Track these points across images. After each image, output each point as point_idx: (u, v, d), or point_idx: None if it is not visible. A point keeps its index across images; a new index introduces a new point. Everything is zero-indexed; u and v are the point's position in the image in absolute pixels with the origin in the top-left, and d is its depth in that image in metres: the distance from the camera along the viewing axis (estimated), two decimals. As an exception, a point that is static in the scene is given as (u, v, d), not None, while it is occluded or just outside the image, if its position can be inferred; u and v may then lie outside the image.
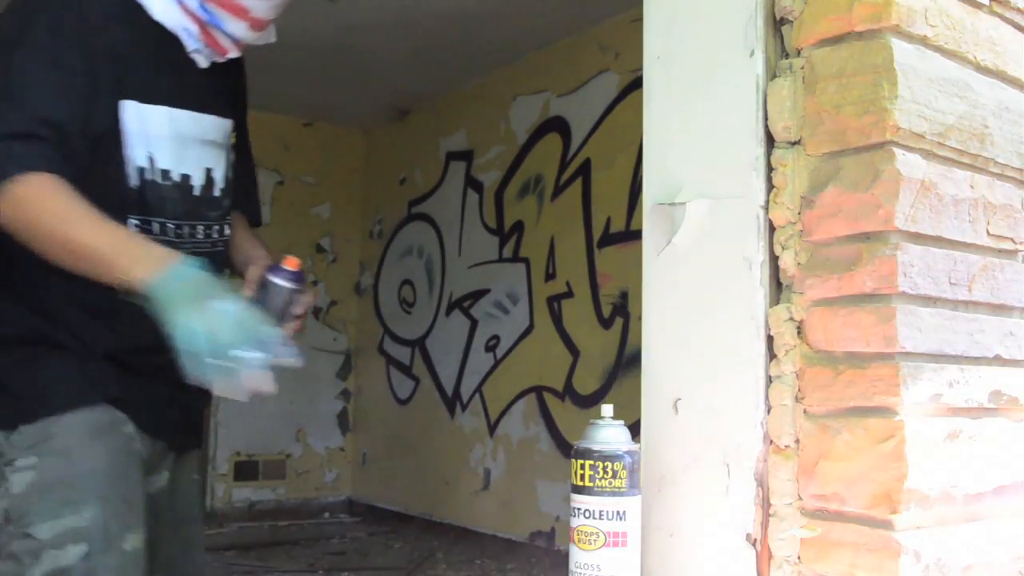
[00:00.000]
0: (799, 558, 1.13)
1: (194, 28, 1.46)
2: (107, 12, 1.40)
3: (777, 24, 1.20)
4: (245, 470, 6.12)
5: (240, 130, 1.67)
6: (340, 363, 6.55)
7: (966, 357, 1.16)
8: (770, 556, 1.14)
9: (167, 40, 1.45)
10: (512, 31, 4.69)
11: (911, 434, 1.06)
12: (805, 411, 1.14)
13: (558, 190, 4.88)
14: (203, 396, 1.46)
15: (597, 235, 4.57)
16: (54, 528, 1.22)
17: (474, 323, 5.42)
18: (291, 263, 1.49)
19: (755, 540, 1.14)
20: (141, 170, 1.42)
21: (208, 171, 1.53)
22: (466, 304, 5.51)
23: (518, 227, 5.15)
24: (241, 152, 1.67)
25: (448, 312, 5.68)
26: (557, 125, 4.92)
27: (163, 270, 1.20)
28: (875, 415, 1.08)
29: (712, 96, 1.24)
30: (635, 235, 4.16)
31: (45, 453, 1.26)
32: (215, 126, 1.55)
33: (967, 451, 1.14)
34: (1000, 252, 1.22)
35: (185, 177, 1.48)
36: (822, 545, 1.11)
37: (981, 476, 1.16)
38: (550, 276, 4.88)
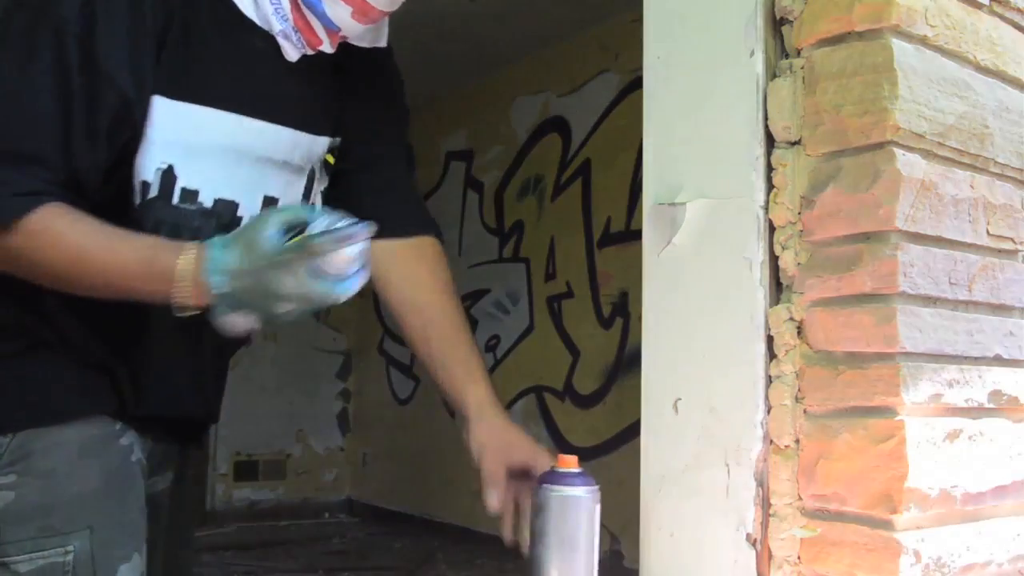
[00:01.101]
0: (799, 558, 1.13)
1: (285, 1, 1.14)
2: None
3: (777, 24, 1.20)
4: (245, 470, 6.12)
5: (372, 144, 1.34)
6: (340, 363, 6.55)
7: (966, 357, 1.16)
8: (770, 556, 1.14)
9: (244, 26, 1.15)
10: (512, 31, 4.69)
11: (911, 434, 1.06)
12: (805, 411, 1.14)
13: (558, 190, 4.88)
14: (217, 386, 1.32)
15: (597, 235, 4.57)
16: (34, 561, 1.07)
17: (474, 323, 5.43)
18: (567, 462, 1.14)
19: (755, 540, 1.14)
20: (145, 186, 1.12)
21: (268, 199, 1.21)
22: (466, 304, 5.51)
23: (518, 227, 5.16)
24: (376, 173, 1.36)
25: (448, 312, 5.68)
26: (557, 125, 4.92)
27: (205, 278, 1.01)
28: (875, 415, 1.08)
29: (712, 96, 1.24)
30: (635, 235, 4.16)
31: (25, 472, 1.09)
32: (294, 143, 1.23)
33: (967, 451, 1.14)
34: (1000, 252, 1.22)
35: (226, 205, 1.17)
36: (822, 545, 1.11)
37: (981, 476, 1.16)
38: (550, 276, 4.89)
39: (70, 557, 1.08)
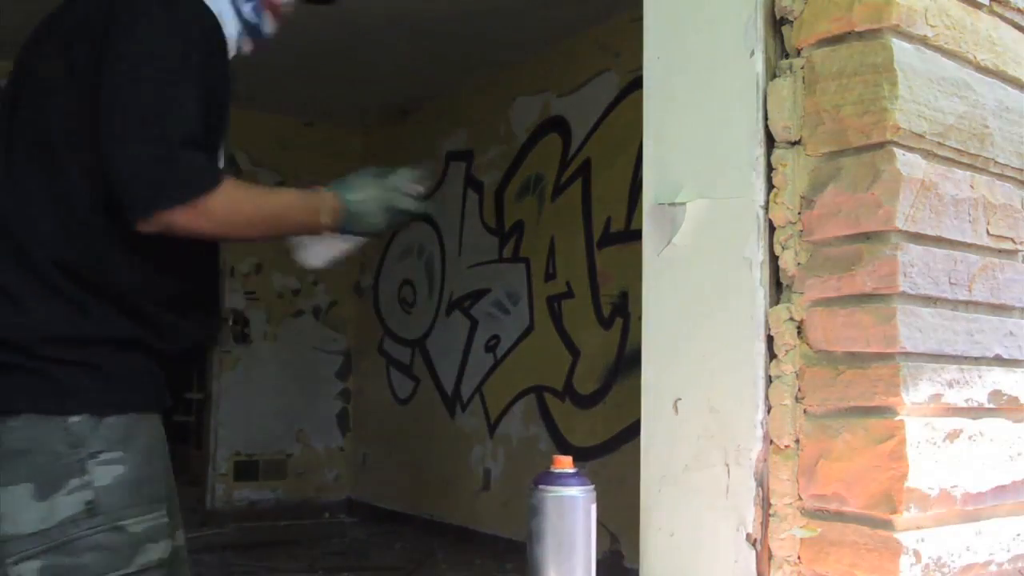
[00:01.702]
0: (799, 558, 1.13)
1: (242, 34, 1.55)
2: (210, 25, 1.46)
3: (777, 24, 1.20)
4: (245, 470, 6.12)
5: None
6: (340, 363, 6.55)
7: (966, 357, 1.16)
8: (770, 556, 1.14)
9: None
10: (512, 31, 4.69)
11: (911, 434, 1.06)
12: (805, 411, 1.14)
13: (558, 190, 4.88)
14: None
15: (597, 235, 4.57)
16: (145, 523, 1.26)
17: (474, 323, 5.43)
18: (562, 463, 1.17)
19: (755, 540, 1.14)
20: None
21: None
22: (466, 304, 5.51)
23: (518, 227, 5.16)
24: None
25: (448, 312, 5.68)
26: (557, 125, 4.92)
27: (340, 201, 1.49)
28: (875, 415, 1.08)
29: (712, 96, 1.24)
30: (635, 235, 4.16)
31: (131, 449, 1.28)
32: None
33: (967, 451, 1.14)
34: (1000, 252, 1.22)
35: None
36: (822, 545, 1.11)
37: (981, 476, 1.16)
38: (550, 276, 4.88)
39: (164, 520, 1.30)
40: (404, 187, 1.55)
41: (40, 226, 1.32)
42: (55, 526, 1.19)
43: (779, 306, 1.16)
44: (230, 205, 1.35)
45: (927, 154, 1.12)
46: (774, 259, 1.17)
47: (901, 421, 1.06)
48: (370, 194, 1.51)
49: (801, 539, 1.13)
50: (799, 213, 1.16)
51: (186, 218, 1.30)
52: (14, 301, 1.28)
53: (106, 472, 1.23)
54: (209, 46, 1.41)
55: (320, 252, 1.56)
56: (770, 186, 1.18)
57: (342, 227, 1.50)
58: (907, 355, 1.08)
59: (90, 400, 1.25)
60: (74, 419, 1.23)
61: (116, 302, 1.34)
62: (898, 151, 1.08)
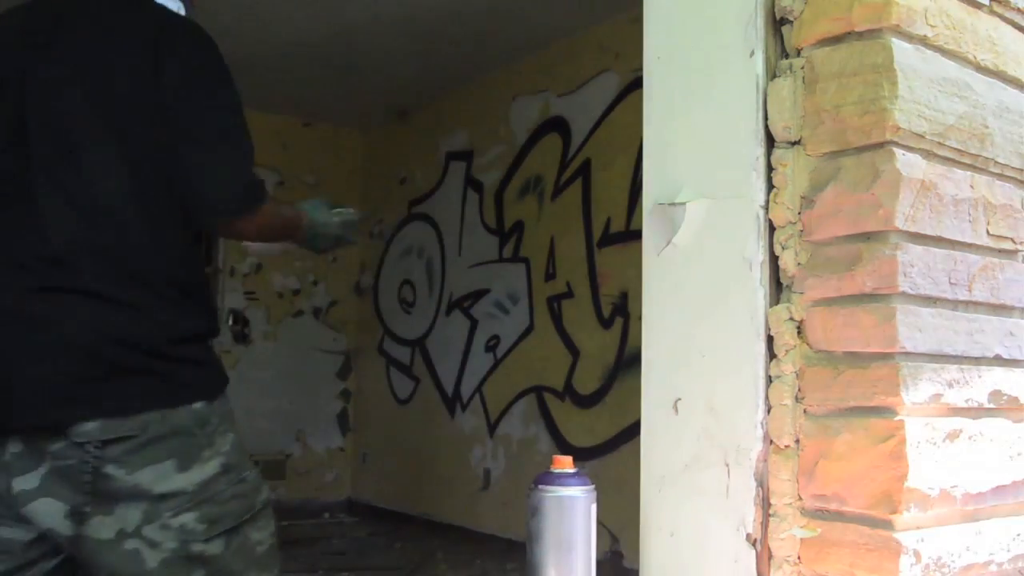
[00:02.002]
0: (799, 558, 1.13)
1: None
2: None
3: (777, 24, 1.20)
4: (245, 470, 6.12)
5: None
6: (340, 363, 6.55)
7: (966, 357, 1.16)
8: (770, 556, 1.14)
9: None
10: (512, 31, 4.69)
11: (911, 434, 1.06)
12: (805, 411, 1.14)
13: (558, 190, 4.88)
14: None
15: (597, 235, 4.57)
16: (253, 473, 1.58)
17: (474, 323, 5.43)
18: (562, 463, 1.18)
19: (755, 540, 1.14)
20: None
21: None
22: (466, 304, 5.51)
23: (518, 227, 5.16)
24: None
25: (448, 312, 5.68)
26: (557, 125, 4.92)
27: (309, 214, 1.79)
28: (875, 415, 1.08)
29: (712, 96, 1.24)
30: (635, 235, 4.16)
31: (231, 420, 1.58)
32: None
33: (967, 451, 1.14)
34: (1000, 252, 1.22)
35: None
36: (822, 545, 1.11)
37: (981, 476, 1.16)
38: (550, 276, 4.88)
39: (257, 469, 1.61)
40: (348, 219, 1.87)
41: (130, 238, 1.49)
42: (199, 487, 1.47)
43: (779, 306, 1.16)
44: (271, 217, 1.68)
45: (927, 154, 1.12)
46: (774, 259, 1.17)
47: (901, 421, 1.06)
48: (327, 220, 1.83)
49: (801, 539, 1.13)
50: (799, 213, 1.16)
51: (247, 224, 1.61)
52: (136, 309, 1.47)
53: (225, 440, 1.53)
54: None
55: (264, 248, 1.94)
56: (770, 186, 1.18)
57: (306, 243, 1.82)
58: (907, 355, 1.08)
59: (205, 389, 1.53)
60: (197, 405, 1.50)
61: (198, 300, 1.59)
62: (898, 151, 1.08)
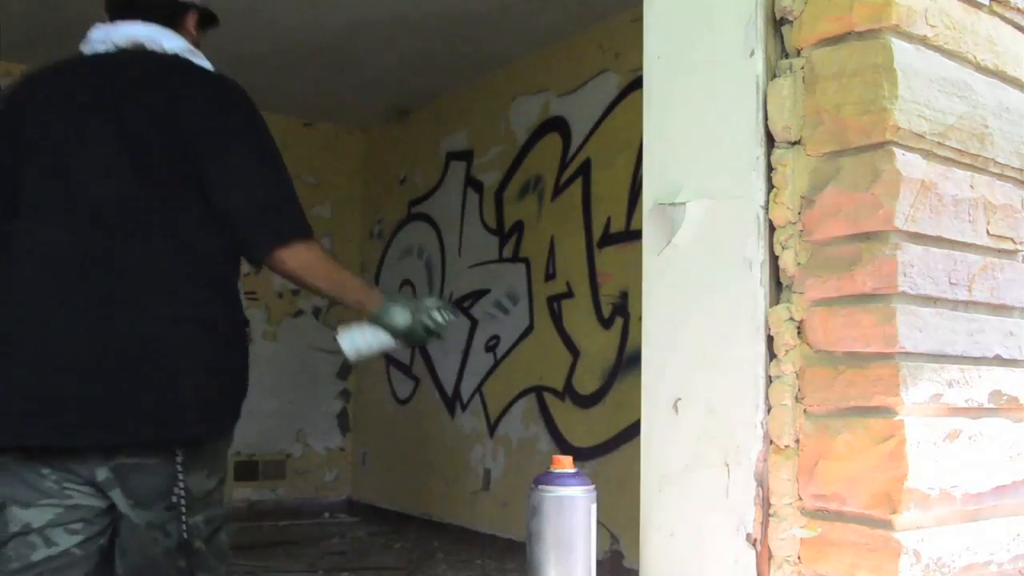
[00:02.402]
0: (799, 558, 1.13)
1: None
2: None
3: (777, 24, 1.20)
4: (245, 470, 6.11)
5: None
6: (340, 363, 6.55)
7: (966, 357, 1.16)
8: (770, 556, 1.14)
9: None
10: (512, 31, 4.69)
11: (911, 434, 1.06)
12: (805, 411, 1.14)
13: (558, 190, 4.88)
14: None
15: (597, 235, 4.57)
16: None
17: (474, 323, 5.42)
18: (561, 463, 1.18)
19: (755, 540, 1.14)
20: None
21: None
22: (466, 304, 5.51)
23: (518, 227, 5.15)
24: None
25: (448, 312, 5.68)
26: (557, 125, 4.92)
27: (382, 298, 1.94)
28: (875, 415, 1.08)
29: (712, 96, 1.24)
30: (635, 235, 4.15)
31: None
32: None
33: (967, 451, 1.14)
34: (1000, 252, 1.22)
35: None
36: (822, 545, 1.11)
37: (981, 476, 1.16)
38: (550, 276, 4.88)
39: None
40: (432, 309, 1.93)
41: (182, 288, 1.70)
42: (208, 493, 1.77)
43: (779, 306, 1.16)
44: (321, 258, 1.83)
45: (927, 154, 1.12)
46: (774, 259, 1.17)
47: (901, 421, 1.06)
48: (405, 304, 1.92)
49: (801, 539, 1.13)
50: (799, 213, 1.16)
51: (292, 255, 1.76)
52: (205, 350, 1.72)
53: (226, 461, 1.89)
54: None
55: (356, 339, 1.93)
56: (770, 186, 1.18)
57: (377, 316, 1.89)
58: (907, 355, 1.08)
59: (232, 418, 1.84)
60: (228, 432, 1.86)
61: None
62: (898, 151, 1.08)
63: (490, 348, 5.28)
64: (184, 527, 1.69)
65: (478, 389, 5.34)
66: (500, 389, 5.15)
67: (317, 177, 6.41)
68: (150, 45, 1.80)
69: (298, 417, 6.31)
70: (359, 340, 1.93)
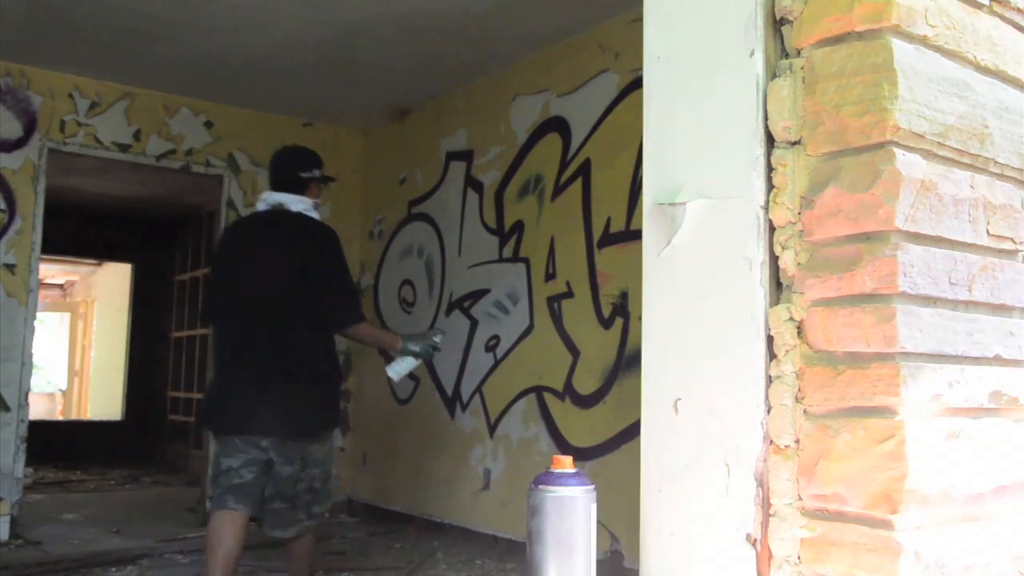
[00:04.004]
0: (799, 558, 1.13)
1: None
2: None
3: (777, 24, 1.20)
4: (245, 470, 6.11)
5: None
6: (340, 363, 6.54)
7: (966, 357, 1.16)
8: (770, 556, 1.14)
9: None
10: (512, 31, 4.69)
11: (911, 434, 1.06)
12: (805, 411, 1.14)
13: (558, 190, 4.88)
14: None
15: (597, 235, 4.57)
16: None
17: (474, 323, 5.42)
18: (561, 463, 1.21)
19: (755, 540, 1.14)
20: None
21: None
22: (466, 304, 5.51)
23: (518, 227, 5.15)
24: None
25: (448, 312, 5.68)
26: (557, 125, 4.92)
27: (404, 340, 3.53)
28: (875, 415, 1.08)
29: (712, 96, 1.24)
30: (635, 235, 4.15)
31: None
32: None
33: (967, 451, 1.14)
34: (1000, 252, 1.22)
35: None
36: (822, 545, 1.11)
37: (981, 476, 1.16)
38: (550, 276, 4.88)
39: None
40: (431, 336, 3.48)
41: (310, 361, 3.30)
42: (320, 460, 3.34)
43: (779, 306, 1.16)
44: (368, 330, 3.48)
45: (927, 154, 1.12)
46: (774, 259, 1.17)
47: (901, 421, 1.06)
48: (415, 338, 3.48)
49: (801, 539, 1.13)
50: (799, 213, 1.16)
51: (354, 330, 3.35)
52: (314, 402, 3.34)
53: (332, 441, 3.45)
54: None
55: (396, 368, 3.45)
56: (770, 186, 1.18)
57: (403, 349, 3.43)
58: (907, 355, 1.08)
59: (333, 423, 3.46)
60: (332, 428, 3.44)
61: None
62: (898, 151, 1.08)
63: (490, 348, 5.28)
64: (306, 475, 3.28)
65: (478, 389, 5.34)
66: (500, 389, 5.15)
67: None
68: (287, 206, 3.31)
69: (298, 417, 6.31)
70: (398, 368, 3.44)
